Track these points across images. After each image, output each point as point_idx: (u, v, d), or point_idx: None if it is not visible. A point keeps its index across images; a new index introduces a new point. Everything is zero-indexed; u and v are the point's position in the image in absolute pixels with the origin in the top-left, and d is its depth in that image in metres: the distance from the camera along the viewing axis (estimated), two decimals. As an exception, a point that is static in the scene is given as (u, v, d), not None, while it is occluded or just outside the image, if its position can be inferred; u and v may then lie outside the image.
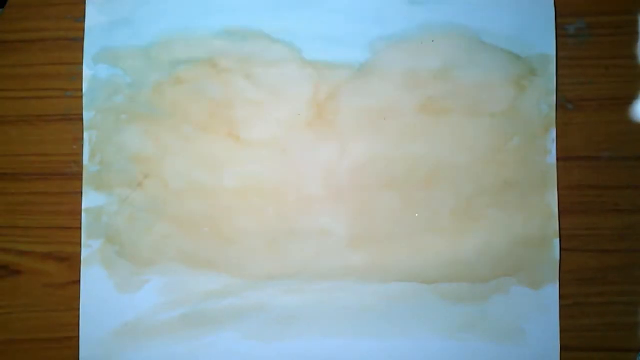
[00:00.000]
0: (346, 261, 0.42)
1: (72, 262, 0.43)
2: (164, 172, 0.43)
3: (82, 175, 0.43)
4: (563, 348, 0.41)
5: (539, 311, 0.41)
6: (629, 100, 0.42)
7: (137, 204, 0.43)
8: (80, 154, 0.43)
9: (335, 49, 0.43)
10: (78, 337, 0.42)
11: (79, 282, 0.42)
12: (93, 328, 0.42)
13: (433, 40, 0.42)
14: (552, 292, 0.41)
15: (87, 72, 0.43)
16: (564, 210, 0.41)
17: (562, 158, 0.42)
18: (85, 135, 0.43)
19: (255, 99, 0.43)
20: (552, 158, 0.42)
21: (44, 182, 0.43)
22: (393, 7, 0.43)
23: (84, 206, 0.43)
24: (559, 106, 0.42)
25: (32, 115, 0.44)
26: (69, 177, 0.43)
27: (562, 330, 0.41)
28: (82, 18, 0.44)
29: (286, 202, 0.42)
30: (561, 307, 0.41)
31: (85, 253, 0.43)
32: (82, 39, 0.44)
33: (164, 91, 0.43)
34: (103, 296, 0.42)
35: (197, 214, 0.42)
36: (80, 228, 0.43)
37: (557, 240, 0.41)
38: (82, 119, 0.43)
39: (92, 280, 0.42)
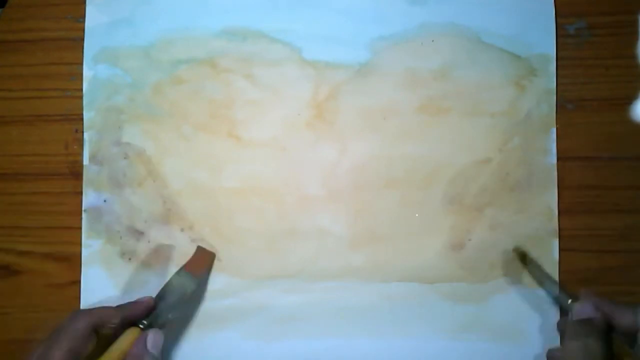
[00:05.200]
0: (346, 261, 0.42)
1: (72, 262, 0.43)
2: (164, 172, 0.43)
3: (82, 175, 0.43)
4: (563, 348, 0.40)
5: (539, 311, 0.41)
6: (629, 100, 0.42)
7: (137, 204, 0.43)
8: (80, 154, 0.43)
9: (335, 49, 0.43)
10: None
11: (79, 282, 0.42)
12: (93, 328, 0.42)
13: (433, 40, 0.42)
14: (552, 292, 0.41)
15: (87, 72, 0.43)
16: (564, 210, 0.41)
17: (562, 158, 0.42)
18: (85, 135, 0.43)
19: (255, 99, 0.43)
20: (552, 158, 0.42)
21: (44, 182, 0.43)
22: (393, 7, 0.43)
23: (84, 206, 0.43)
24: (559, 106, 0.42)
25: (32, 115, 0.44)
26: (69, 177, 0.43)
27: (562, 330, 0.41)
28: (82, 18, 0.44)
29: (286, 202, 0.42)
30: (561, 307, 0.41)
31: (85, 253, 0.43)
32: (82, 39, 0.44)
33: (164, 91, 0.43)
34: (103, 296, 0.42)
35: (197, 214, 0.42)
36: (80, 228, 0.43)
37: (557, 241, 0.41)
38: (82, 119, 0.43)
39: (92, 280, 0.42)
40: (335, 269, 0.42)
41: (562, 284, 0.38)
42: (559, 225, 0.41)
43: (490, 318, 0.41)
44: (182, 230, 0.42)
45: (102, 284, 0.42)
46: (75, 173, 0.43)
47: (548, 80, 0.42)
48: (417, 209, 0.42)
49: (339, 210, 0.42)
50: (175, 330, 0.42)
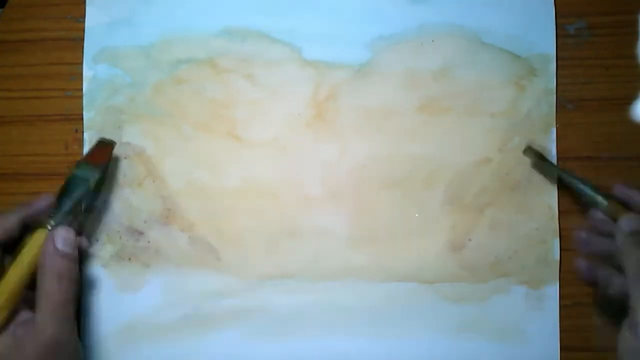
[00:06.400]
0: (346, 261, 0.42)
1: (72, 262, 0.43)
2: (164, 172, 0.43)
3: (82, 175, 0.43)
4: (563, 348, 0.40)
5: (539, 311, 0.41)
6: (629, 100, 0.42)
7: (137, 204, 0.43)
8: (80, 154, 0.43)
9: (335, 49, 0.43)
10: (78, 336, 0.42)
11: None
12: (93, 328, 0.42)
13: (433, 40, 0.42)
14: (552, 292, 0.41)
15: (87, 72, 0.43)
16: (564, 210, 0.41)
17: (562, 158, 0.42)
18: (85, 135, 0.43)
19: (255, 99, 0.43)
20: (552, 158, 0.42)
21: (44, 182, 0.43)
22: (393, 7, 0.43)
23: (83, 206, 0.43)
24: (559, 106, 0.42)
25: (32, 115, 0.44)
26: (69, 177, 0.43)
27: (562, 330, 0.41)
28: (82, 18, 0.44)
29: (286, 202, 0.42)
30: (561, 307, 0.41)
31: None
32: (82, 39, 0.44)
33: (164, 91, 0.43)
34: (103, 296, 0.42)
35: (197, 214, 0.42)
36: (80, 228, 0.43)
37: (557, 241, 0.41)
38: (82, 119, 0.43)
39: (92, 280, 0.42)
40: (336, 269, 0.42)
41: (592, 185, 0.38)
42: (559, 225, 0.41)
43: (490, 318, 0.41)
44: (182, 230, 0.42)
45: (102, 284, 0.42)
46: (75, 173, 0.43)
47: (548, 80, 0.42)
48: (417, 209, 0.42)
49: (339, 210, 0.42)
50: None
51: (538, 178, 0.41)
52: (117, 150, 0.43)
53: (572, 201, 0.41)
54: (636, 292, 0.32)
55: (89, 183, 0.38)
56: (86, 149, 0.43)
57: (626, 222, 0.34)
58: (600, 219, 0.37)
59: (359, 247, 0.42)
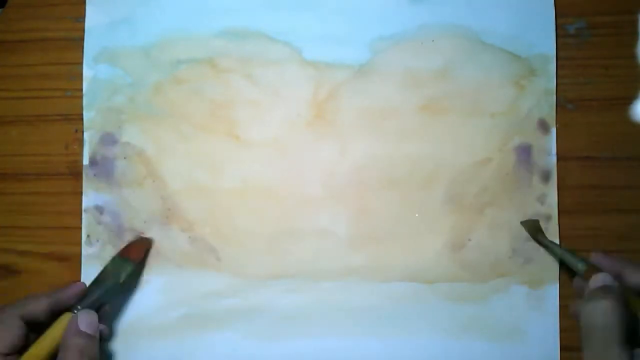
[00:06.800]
0: (346, 261, 0.42)
1: (72, 262, 0.43)
2: (164, 172, 0.43)
3: (82, 175, 0.43)
4: (563, 348, 0.40)
5: (539, 311, 0.41)
6: (629, 100, 0.42)
7: (137, 204, 0.43)
8: (80, 154, 0.43)
9: (335, 49, 0.43)
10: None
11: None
12: (93, 328, 0.42)
13: (433, 40, 0.42)
14: (552, 292, 0.41)
15: (87, 72, 0.43)
16: (563, 210, 0.41)
17: (562, 158, 0.42)
18: (85, 135, 0.43)
19: (255, 99, 0.43)
20: (552, 158, 0.42)
21: (44, 182, 0.44)
22: (393, 7, 0.43)
23: (84, 206, 0.43)
24: (559, 106, 0.42)
25: (32, 115, 0.44)
26: (69, 177, 0.43)
27: (562, 330, 0.41)
28: (82, 18, 0.44)
29: (286, 202, 0.42)
30: (561, 307, 0.41)
31: (85, 253, 0.43)
32: (82, 39, 0.44)
33: (164, 91, 0.43)
34: (103, 296, 0.42)
35: (197, 214, 0.42)
36: (80, 228, 0.43)
37: (557, 240, 0.41)
38: (82, 119, 0.43)
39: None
40: (335, 269, 0.42)
41: (573, 251, 0.39)
42: (559, 225, 0.41)
43: (490, 318, 0.41)
44: (182, 230, 0.42)
45: (102, 284, 0.42)
46: (75, 173, 0.43)
47: (548, 80, 0.42)
48: (417, 209, 0.42)
49: (339, 210, 0.42)
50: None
51: (538, 178, 0.41)
52: (117, 150, 0.43)
53: (572, 201, 0.41)
54: (586, 345, 0.33)
55: (119, 277, 0.40)
56: (86, 149, 0.43)
57: (594, 279, 0.36)
58: (581, 285, 0.38)
59: (359, 247, 0.42)
